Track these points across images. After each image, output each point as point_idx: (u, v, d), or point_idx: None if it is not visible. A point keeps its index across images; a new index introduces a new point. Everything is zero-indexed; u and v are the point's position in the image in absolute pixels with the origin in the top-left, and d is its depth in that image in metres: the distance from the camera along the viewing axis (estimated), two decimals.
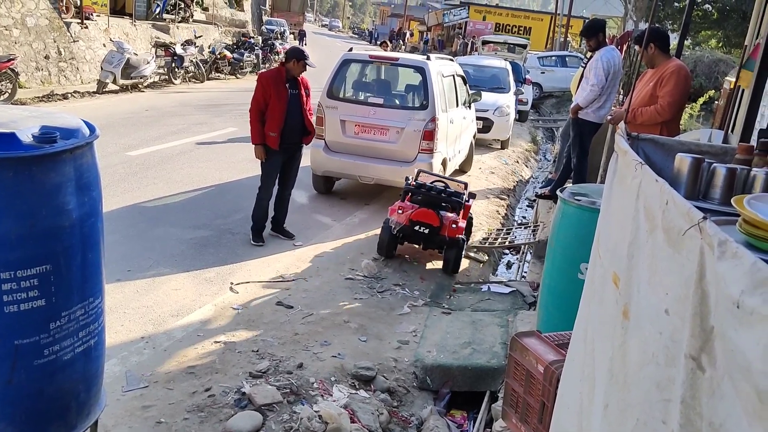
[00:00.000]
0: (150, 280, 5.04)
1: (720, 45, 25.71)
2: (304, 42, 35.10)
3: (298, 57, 5.83)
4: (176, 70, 15.98)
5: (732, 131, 4.10)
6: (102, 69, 13.74)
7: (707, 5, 22.38)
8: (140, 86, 14.80)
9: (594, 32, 6.65)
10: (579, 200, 3.35)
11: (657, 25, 26.56)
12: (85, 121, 2.19)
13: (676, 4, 25.10)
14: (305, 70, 5.93)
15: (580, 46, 29.88)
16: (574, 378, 1.87)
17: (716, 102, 13.13)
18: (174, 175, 8.00)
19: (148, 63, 14.76)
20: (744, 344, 0.84)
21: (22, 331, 2.04)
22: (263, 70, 6.23)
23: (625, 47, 7.06)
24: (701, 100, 15.18)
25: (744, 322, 0.81)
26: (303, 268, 5.58)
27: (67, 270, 2.09)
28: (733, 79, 9.41)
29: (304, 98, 5.98)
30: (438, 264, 5.98)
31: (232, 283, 5.14)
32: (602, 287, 1.58)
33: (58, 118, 2.15)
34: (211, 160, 8.99)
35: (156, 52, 15.87)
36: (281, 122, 5.77)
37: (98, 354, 2.38)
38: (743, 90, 4.02)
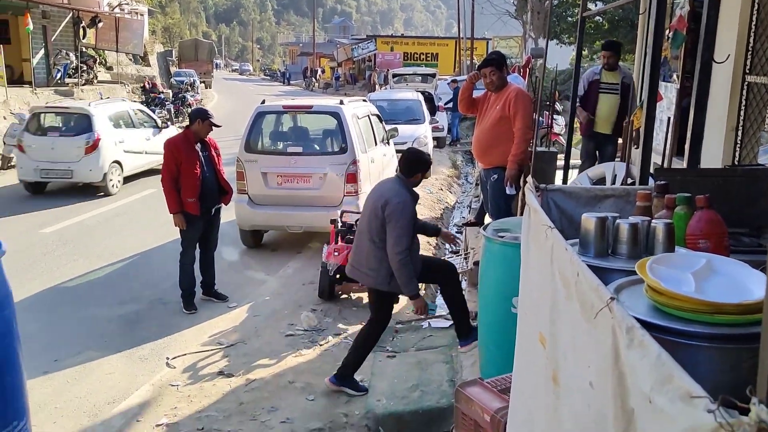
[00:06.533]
0: (80, 368, 4.79)
1: None
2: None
3: (202, 117, 5.73)
4: None
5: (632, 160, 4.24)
6: (5, 143, 13.11)
7: (598, 18, 23.72)
8: None
9: None
10: (502, 236, 3.45)
11: (554, 40, 27.96)
12: None
13: (569, 18, 26.67)
14: (212, 130, 5.81)
15: None
16: (518, 426, 1.91)
17: None
18: (94, 248, 7.69)
19: None
20: None
21: None
22: (169, 137, 6.08)
23: (527, 73, 7.43)
24: None
25: (657, 419, 0.85)
26: (241, 331, 5.45)
27: None
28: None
29: (216, 158, 5.91)
30: None
31: (168, 358, 4.96)
32: (532, 344, 1.63)
33: None
34: (131, 227, 8.71)
35: None
36: (198, 187, 5.67)
37: None
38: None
